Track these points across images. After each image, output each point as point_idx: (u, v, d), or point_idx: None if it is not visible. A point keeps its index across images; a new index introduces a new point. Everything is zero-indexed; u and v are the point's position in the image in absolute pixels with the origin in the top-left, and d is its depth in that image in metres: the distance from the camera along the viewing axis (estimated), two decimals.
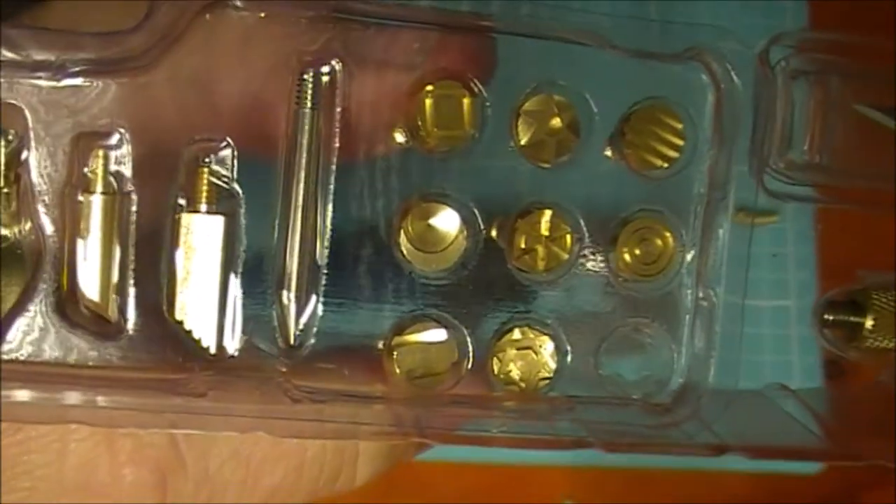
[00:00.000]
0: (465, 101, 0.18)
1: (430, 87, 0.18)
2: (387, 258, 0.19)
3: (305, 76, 0.18)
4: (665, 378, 0.19)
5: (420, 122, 0.18)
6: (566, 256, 0.19)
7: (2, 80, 0.16)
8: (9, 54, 0.16)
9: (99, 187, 0.17)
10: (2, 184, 0.16)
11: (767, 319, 0.47)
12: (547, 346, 0.19)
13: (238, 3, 0.17)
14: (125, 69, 0.17)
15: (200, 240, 0.18)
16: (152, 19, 0.17)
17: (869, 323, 0.20)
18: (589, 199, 0.19)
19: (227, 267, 0.18)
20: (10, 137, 0.16)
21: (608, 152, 0.19)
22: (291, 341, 0.19)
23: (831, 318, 0.21)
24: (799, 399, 0.20)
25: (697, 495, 0.49)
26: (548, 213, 0.19)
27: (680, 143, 0.19)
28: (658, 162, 0.19)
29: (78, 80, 0.17)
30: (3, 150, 0.16)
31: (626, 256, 0.19)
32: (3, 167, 0.16)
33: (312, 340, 0.19)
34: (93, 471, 0.18)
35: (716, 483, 0.49)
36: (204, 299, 0.18)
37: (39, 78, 0.17)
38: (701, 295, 0.19)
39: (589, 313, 0.19)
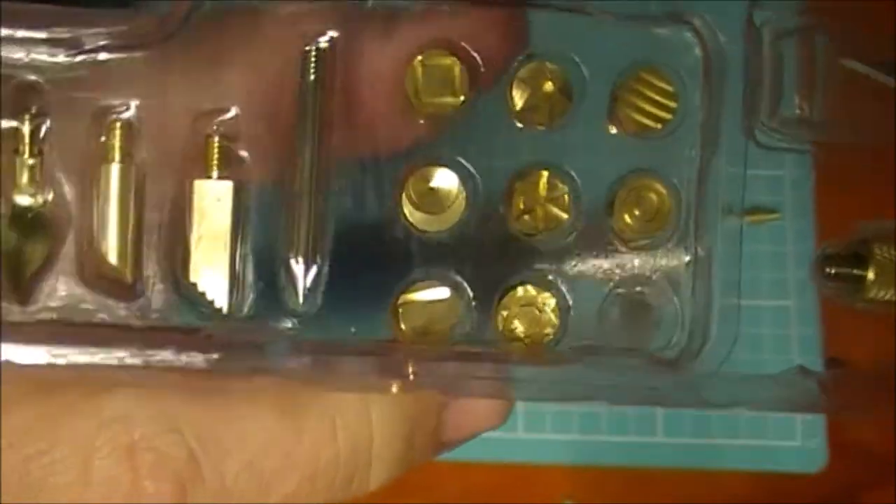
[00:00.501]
0: (456, 68, 0.19)
1: (420, 57, 0.19)
2: (391, 220, 0.19)
3: (308, 48, 0.18)
4: (669, 332, 0.20)
5: (412, 91, 0.19)
6: (565, 216, 0.19)
7: (22, 56, 0.17)
8: (27, 32, 0.17)
9: (116, 157, 0.18)
10: (27, 156, 0.17)
11: (767, 319, 0.48)
12: (550, 303, 0.19)
13: None
14: (139, 45, 0.18)
15: (211, 205, 0.18)
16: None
17: (871, 275, 0.20)
18: (585, 162, 0.20)
19: (237, 230, 0.19)
20: (33, 111, 0.17)
21: (602, 116, 0.20)
22: (301, 301, 0.19)
23: (833, 271, 0.21)
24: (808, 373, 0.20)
25: (697, 495, 0.49)
26: (545, 174, 0.19)
27: (672, 104, 0.19)
28: (651, 123, 0.19)
29: (94, 56, 0.18)
30: (27, 125, 0.17)
31: (626, 217, 0.19)
32: (27, 141, 0.17)
33: (320, 300, 0.19)
34: (116, 487, 0.19)
35: (716, 483, 0.49)
36: (215, 261, 0.19)
37: (57, 54, 0.17)
38: (699, 248, 0.20)
39: (591, 270, 0.20)
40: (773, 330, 0.49)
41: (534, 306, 0.19)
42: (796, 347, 0.50)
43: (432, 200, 0.19)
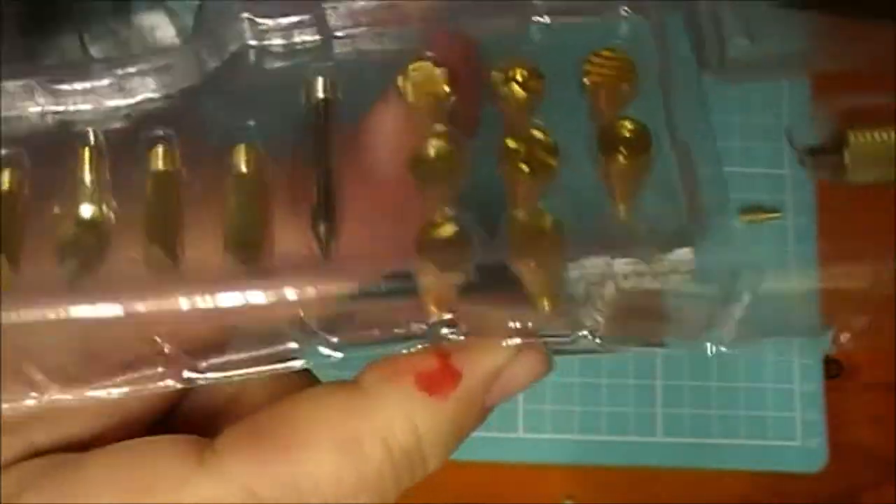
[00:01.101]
0: (436, 70, 0.21)
1: (408, 68, 0.21)
2: None
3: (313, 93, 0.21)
4: (675, 223, 0.20)
5: (406, 91, 0.21)
6: (554, 163, 0.20)
7: (85, 107, 0.21)
8: (86, 83, 0.21)
9: (160, 167, 0.21)
10: (87, 178, 0.20)
11: None
12: (550, 222, 0.20)
13: (251, 43, 0.22)
14: (178, 88, 0.21)
15: (242, 193, 0.21)
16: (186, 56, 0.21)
17: (848, 160, 0.21)
18: (567, 124, 0.21)
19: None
20: (92, 143, 0.21)
21: (575, 94, 0.21)
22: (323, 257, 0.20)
23: (812, 159, 0.22)
24: None
25: (697, 495, 0.49)
26: (531, 129, 0.20)
27: (630, 68, 0.21)
28: (623, 87, 0.21)
29: (142, 98, 0.21)
30: (87, 158, 0.20)
31: (614, 154, 0.20)
32: (87, 168, 0.20)
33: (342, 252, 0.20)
34: None
35: (716, 483, 0.49)
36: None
37: (112, 100, 0.21)
38: (676, 138, 0.21)
39: (588, 191, 0.21)
40: None
41: (536, 228, 0.20)
42: (796, 347, 0.50)
43: (434, 167, 0.20)
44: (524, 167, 0.20)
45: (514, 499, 0.49)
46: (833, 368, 0.50)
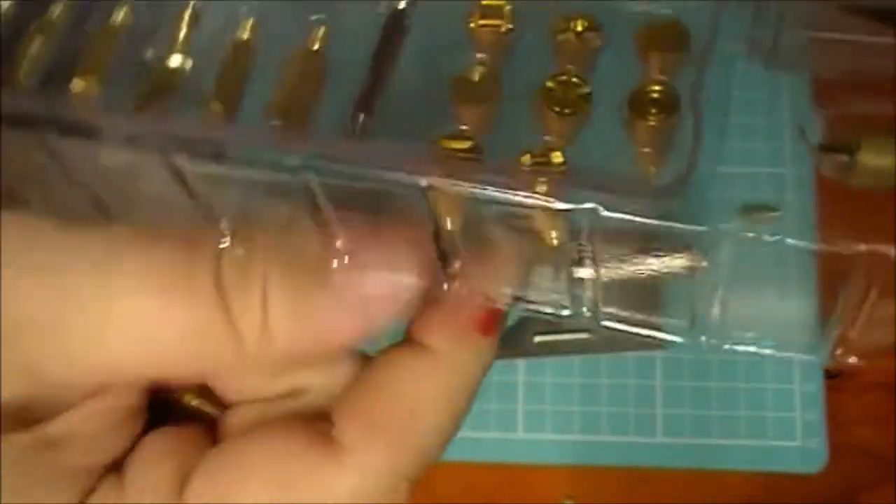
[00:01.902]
0: (507, 7, 0.22)
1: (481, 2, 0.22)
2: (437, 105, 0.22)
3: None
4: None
5: (475, 23, 0.22)
6: (585, 109, 0.21)
7: None
8: None
9: (244, 36, 0.22)
10: (182, 35, 0.22)
11: None
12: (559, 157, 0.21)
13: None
14: None
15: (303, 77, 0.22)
16: None
17: (862, 159, 0.22)
18: (613, 82, 0.22)
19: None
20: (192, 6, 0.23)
21: (629, 55, 0.22)
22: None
23: (825, 160, 0.23)
24: None
25: (697, 495, 0.49)
26: (573, 77, 0.21)
27: (685, 45, 0.21)
28: (673, 55, 0.21)
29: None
30: (186, 16, 0.22)
31: (643, 113, 0.21)
32: (184, 25, 0.22)
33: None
34: None
35: (716, 483, 0.49)
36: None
37: None
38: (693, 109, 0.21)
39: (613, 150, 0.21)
40: None
41: (545, 159, 0.21)
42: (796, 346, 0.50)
43: (473, 92, 0.21)
44: (556, 108, 0.21)
45: (514, 499, 0.50)
46: (833, 369, 0.50)
